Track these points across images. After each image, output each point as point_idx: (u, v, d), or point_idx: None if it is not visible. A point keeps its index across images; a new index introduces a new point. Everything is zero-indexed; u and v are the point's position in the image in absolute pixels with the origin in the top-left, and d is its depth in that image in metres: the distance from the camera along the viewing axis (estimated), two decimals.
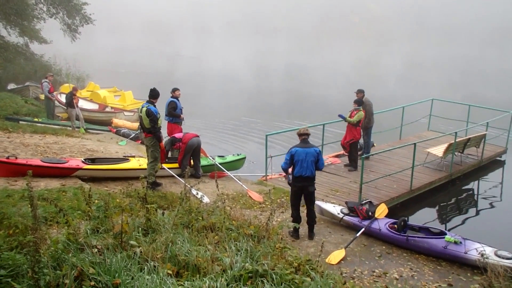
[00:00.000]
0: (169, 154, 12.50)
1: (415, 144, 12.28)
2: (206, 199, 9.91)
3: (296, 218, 8.94)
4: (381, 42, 57.25)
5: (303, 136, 8.97)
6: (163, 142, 11.20)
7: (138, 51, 56.01)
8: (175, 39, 63.84)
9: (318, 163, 8.80)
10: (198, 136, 12.24)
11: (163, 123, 11.69)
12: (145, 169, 10.87)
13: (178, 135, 12.23)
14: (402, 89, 33.19)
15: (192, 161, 12.18)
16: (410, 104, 17.41)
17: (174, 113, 12.88)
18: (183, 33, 66.05)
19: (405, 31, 57.56)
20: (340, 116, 13.07)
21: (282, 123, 22.45)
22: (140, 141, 16.32)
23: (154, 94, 10.66)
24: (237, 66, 46.05)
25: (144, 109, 10.41)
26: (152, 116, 10.31)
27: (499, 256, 7.83)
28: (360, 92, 13.60)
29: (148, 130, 10.47)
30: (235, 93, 32.18)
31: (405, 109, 16.51)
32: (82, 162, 10.86)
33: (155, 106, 10.55)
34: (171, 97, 13.08)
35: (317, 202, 9.71)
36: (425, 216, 11.87)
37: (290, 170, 9.12)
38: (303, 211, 9.19)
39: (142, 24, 67.93)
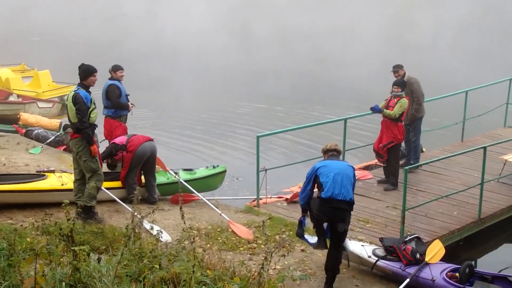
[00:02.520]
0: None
1: (485, 148, 12.29)
2: (165, 237, 9.86)
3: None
4: None
5: (331, 153, 9.11)
6: (98, 146, 11.15)
7: (58, 10, 55.81)
8: None
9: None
10: (152, 140, 12.15)
11: (99, 119, 11.56)
12: (70, 190, 10.80)
13: (119, 139, 12.10)
14: (461, 64, 33.33)
15: (143, 178, 12.13)
16: (476, 87, 17.46)
17: (120, 103, 12.78)
18: None
19: None
20: (373, 109, 13.04)
21: (280, 117, 22.43)
22: (63, 146, 16.22)
23: (85, 73, 10.49)
24: (207, 28, 45.99)
25: (71, 94, 10.35)
26: (79, 104, 10.21)
27: None
28: (399, 68, 13.62)
29: (75, 126, 10.40)
30: (206, 72, 32.14)
31: (469, 94, 16.54)
32: None
33: (88, 91, 10.46)
34: (110, 78, 12.99)
35: None
36: (502, 259, 11.88)
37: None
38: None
39: None
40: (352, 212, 11.58)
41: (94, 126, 10.58)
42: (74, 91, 10.35)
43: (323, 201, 8.75)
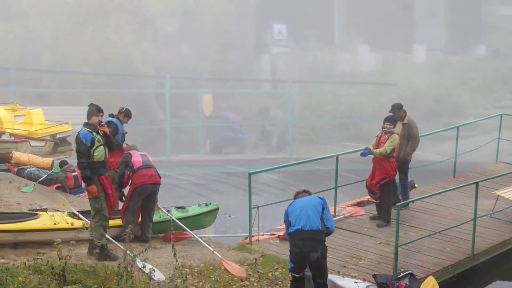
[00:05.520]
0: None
1: (477, 183, 12.33)
2: (158, 275, 9.81)
3: None
4: None
5: (301, 194, 9.36)
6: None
7: (53, 45, 55.82)
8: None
9: (323, 219, 8.93)
10: (158, 184, 12.10)
11: None
12: (62, 229, 10.81)
13: (136, 157, 11.96)
14: (450, 98, 33.44)
15: (139, 215, 12.05)
16: (468, 123, 17.54)
17: (117, 142, 12.84)
18: None
19: None
20: (363, 154, 13.13)
21: (272, 154, 22.44)
22: (56, 185, 16.24)
23: (87, 112, 10.68)
24: (195, 68, 46.14)
25: (75, 135, 10.57)
26: (77, 144, 10.42)
27: None
28: (398, 109, 13.70)
29: None
30: (193, 109, 32.17)
31: (461, 130, 16.61)
32: None
33: (91, 131, 10.55)
34: (112, 116, 12.98)
35: (330, 277, 9.66)
36: None
37: None
38: None
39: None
40: (342, 249, 11.62)
41: (103, 162, 10.67)
42: (78, 132, 10.55)
43: (292, 235, 8.89)
